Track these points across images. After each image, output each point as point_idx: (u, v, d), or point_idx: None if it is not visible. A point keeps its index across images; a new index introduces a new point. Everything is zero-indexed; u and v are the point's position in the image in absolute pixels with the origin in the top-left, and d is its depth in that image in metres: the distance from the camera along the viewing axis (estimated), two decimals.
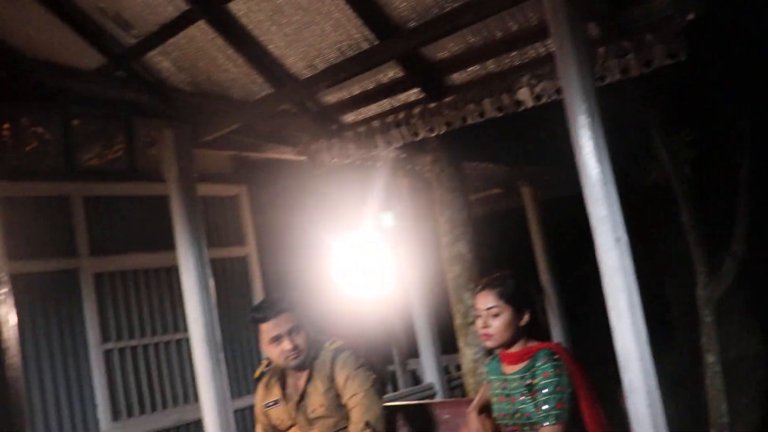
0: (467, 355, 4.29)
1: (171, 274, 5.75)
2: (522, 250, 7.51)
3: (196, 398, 5.74)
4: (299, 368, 3.44)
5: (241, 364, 6.25)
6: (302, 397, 3.45)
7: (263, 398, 3.60)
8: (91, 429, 5.59)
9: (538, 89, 3.70)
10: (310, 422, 3.43)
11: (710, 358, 5.73)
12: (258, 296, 6.64)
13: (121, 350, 5.47)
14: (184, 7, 3.79)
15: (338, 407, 3.42)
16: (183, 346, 5.76)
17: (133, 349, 5.53)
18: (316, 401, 3.43)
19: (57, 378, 5.14)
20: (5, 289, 1.27)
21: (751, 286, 7.31)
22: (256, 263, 6.88)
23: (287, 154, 5.22)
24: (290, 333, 3.34)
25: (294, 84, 4.10)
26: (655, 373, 2.88)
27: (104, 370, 5.34)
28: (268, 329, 3.34)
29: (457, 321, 4.33)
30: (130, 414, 5.45)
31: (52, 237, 5.21)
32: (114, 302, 5.47)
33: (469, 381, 4.30)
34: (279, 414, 3.51)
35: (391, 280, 6.55)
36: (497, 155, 6.35)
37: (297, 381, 3.49)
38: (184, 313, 5.73)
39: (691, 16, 3.31)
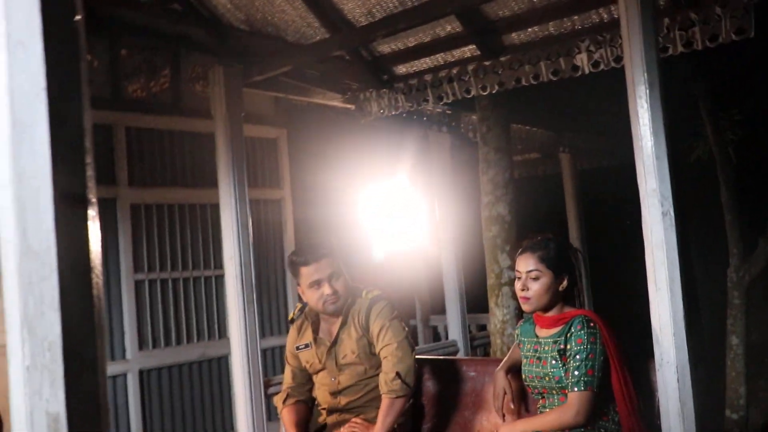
0: (497, 315, 4.32)
1: (207, 211, 5.83)
2: (555, 216, 7.51)
3: (221, 335, 5.89)
4: (335, 314, 3.49)
5: (267, 305, 6.33)
6: (335, 342, 3.51)
7: (295, 340, 3.67)
8: (117, 356, 5.73)
9: (596, 56, 3.66)
10: (340, 368, 3.49)
11: (734, 340, 5.72)
12: (290, 241, 6.70)
13: (152, 282, 5.56)
14: None
15: (369, 355, 3.48)
16: (212, 283, 5.86)
17: (164, 281, 5.62)
18: (348, 347, 3.49)
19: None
20: (93, 212, 1.30)
21: None
22: (290, 207, 6.93)
23: (332, 101, 5.21)
24: (330, 278, 3.40)
25: (350, 30, 4.07)
26: (686, 349, 2.90)
27: (134, 299, 5.44)
28: (308, 273, 3.40)
29: (491, 281, 4.35)
30: (155, 345, 5.56)
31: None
32: (148, 234, 5.55)
33: (497, 341, 4.33)
34: (309, 357, 3.57)
35: (423, 234, 6.59)
36: (541, 120, 6.32)
37: (330, 326, 3.55)
38: (216, 250, 5.86)
39: None
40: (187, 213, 5.79)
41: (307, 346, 3.60)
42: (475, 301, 6.44)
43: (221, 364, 5.95)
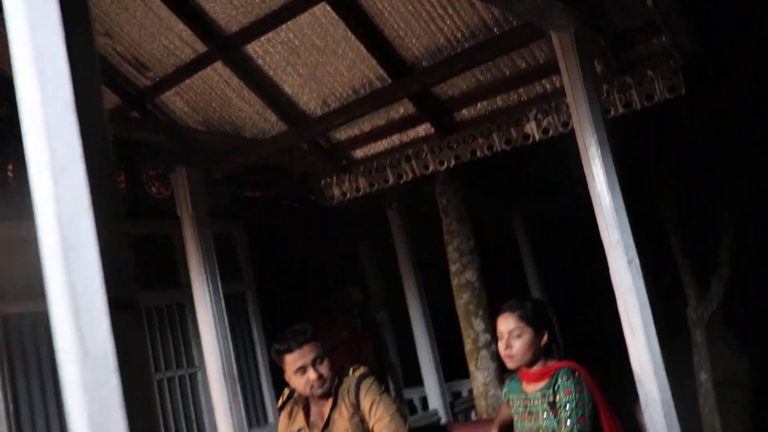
0: (478, 378, 4.41)
1: (174, 311, 5.83)
2: (514, 275, 7.69)
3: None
4: (324, 397, 3.54)
5: (244, 399, 6.29)
6: (327, 424, 3.53)
7: (287, 426, 3.67)
8: None
9: (544, 123, 3.89)
10: None
11: (703, 376, 5.92)
12: (259, 333, 6.72)
13: None
14: (202, 49, 3.94)
15: (367, 428, 3.52)
16: (186, 382, 5.81)
17: None
18: (342, 427, 3.52)
19: None
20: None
21: (735, 308, 7.57)
22: (255, 300, 6.96)
23: (289, 191, 5.35)
24: (314, 362, 3.40)
25: (307, 122, 4.24)
26: (668, 386, 3.02)
27: None
28: (293, 360, 3.41)
29: (468, 346, 4.45)
30: None
31: None
32: None
33: (481, 404, 4.42)
34: None
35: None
36: (493, 188, 6.55)
37: (321, 408, 3.57)
38: (186, 349, 5.84)
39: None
40: (155, 315, 5.78)
41: (300, 430, 3.62)
42: (447, 369, 6.50)
43: None
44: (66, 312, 1.35)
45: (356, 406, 3.50)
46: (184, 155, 4.45)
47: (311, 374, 3.40)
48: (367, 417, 3.48)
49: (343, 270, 8.14)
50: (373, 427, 3.47)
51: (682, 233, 6.00)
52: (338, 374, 3.57)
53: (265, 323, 6.97)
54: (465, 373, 6.60)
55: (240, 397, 4.26)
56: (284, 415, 3.74)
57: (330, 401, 3.53)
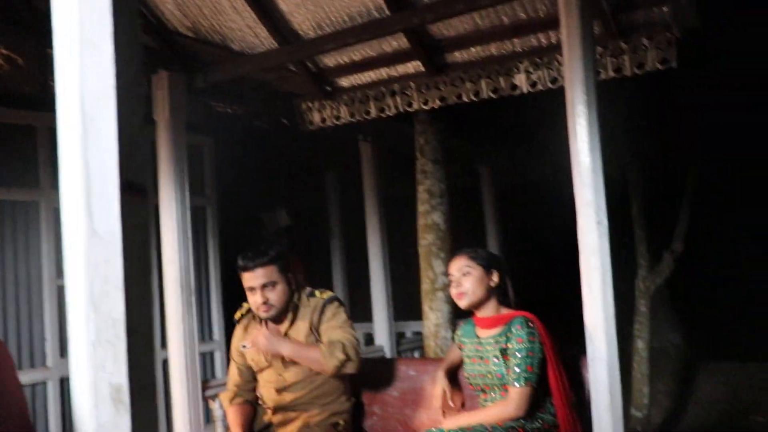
0: (431, 319, 4.51)
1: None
2: (475, 224, 7.79)
3: None
4: (273, 320, 3.60)
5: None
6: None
7: (241, 339, 3.75)
8: (37, 363, 5.59)
9: (534, 76, 3.92)
10: (286, 366, 3.59)
11: (640, 344, 6.13)
12: (215, 248, 6.71)
13: None
14: None
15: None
16: None
17: None
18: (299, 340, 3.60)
19: (7, 309, 5.11)
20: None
21: (681, 284, 7.81)
22: (215, 215, 6.93)
23: (266, 111, 5.29)
24: (264, 287, 3.51)
25: (298, 42, 4.20)
26: (616, 347, 3.12)
27: (56, 305, 5.26)
28: (246, 279, 3.53)
29: (425, 286, 4.53)
30: None
31: (16, 166, 5.15)
32: None
33: (431, 344, 4.52)
34: (255, 355, 3.66)
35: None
36: (467, 134, 6.58)
37: (278, 326, 3.64)
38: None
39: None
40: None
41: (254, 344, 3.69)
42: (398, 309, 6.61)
43: None
44: (79, 192, 1.35)
45: (316, 327, 3.57)
46: (168, 59, 4.38)
47: (258, 297, 3.51)
48: (321, 333, 3.55)
49: (306, 197, 8.15)
50: (322, 333, 3.56)
51: (644, 205, 6.13)
52: (303, 294, 3.64)
53: (222, 241, 6.96)
54: (411, 316, 6.72)
55: (194, 309, 4.28)
56: (239, 328, 3.80)
57: (288, 319, 3.59)
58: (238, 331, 3.81)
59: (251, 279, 3.51)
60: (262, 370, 3.68)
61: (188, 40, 4.41)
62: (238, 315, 3.87)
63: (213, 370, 6.35)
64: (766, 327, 8.40)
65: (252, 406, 3.78)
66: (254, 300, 3.53)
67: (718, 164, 7.26)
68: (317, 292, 3.69)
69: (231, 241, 7.02)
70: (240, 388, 3.76)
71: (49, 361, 5.64)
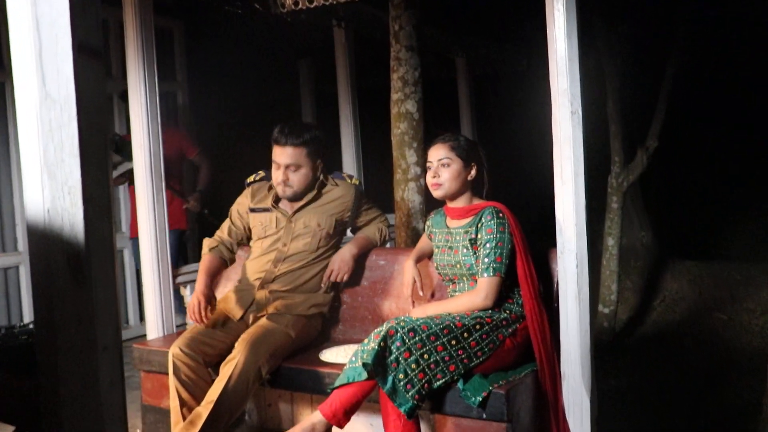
0: (402, 209, 4.50)
1: None
2: (450, 114, 7.75)
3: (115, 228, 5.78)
4: (288, 199, 3.73)
5: None
6: (295, 212, 3.74)
7: (249, 201, 3.87)
8: (8, 248, 5.64)
9: None
10: (295, 235, 3.70)
11: (611, 242, 6.21)
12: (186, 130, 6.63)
13: None
14: None
15: (327, 235, 3.74)
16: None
17: None
18: (311, 220, 3.73)
19: None
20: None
21: (654, 182, 7.89)
22: (186, 101, 6.82)
23: None
24: (287, 166, 3.61)
25: None
26: (586, 239, 3.14)
27: None
28: (275, 152, 3.65)
29: (397, 176, 4.50)
30: None
31: None
32: None
33: (402, 234, 4.53)
34: (265, 220, 3.77)
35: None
36: (443, 23, 6.44)
37: (291, 203, 3.77)
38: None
39: None
40: None
41: (266, 209, 3.79)
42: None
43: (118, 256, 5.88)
44: (29, 53, 1.28)
45: (351, 210, 3.81)
46: None
47: (279, 175, 3.64)
48: (356, 215, 3.86)
49: (279, 85, 8.01)
50: (359, 225, 3.90)
51: (620, 99, 6.09)
52: (325, 182, 3.80)
53: (194, 129, 6.87)
54: (385, 208, 6.74)
55: (164, 196, 4.23)
56: (249, 191, 3.93)
57: (303, 201, 3.73)
58: (247, 193, 3.93)
59: (279, 154, 3.61)
60: (265, 236, 3.74)
61: None
62: (251, 179, 4.00)
63: (186, 256, 6.38)
64: (733, 226, 8.57)
65: (225, 265, 3.91)
66: (276, 175, 3.64)
67: (696, 61, 7.21)
68: (350, 179, 3.90)
69: (203, 128, 6.93)
70: (223, 243, 3.88)
71: (21, 246, 5.63)
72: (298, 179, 3.65)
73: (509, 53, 7.65)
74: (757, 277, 6.71)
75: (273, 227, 3.75)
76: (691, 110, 8.05)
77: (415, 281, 3.52)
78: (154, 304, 4.18)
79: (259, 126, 7.46)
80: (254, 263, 3.78)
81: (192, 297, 3.69)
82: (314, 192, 3.74)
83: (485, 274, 3.16)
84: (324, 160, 3.76)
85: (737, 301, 6.55)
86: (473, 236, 3.26)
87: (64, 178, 1.31)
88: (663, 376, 5.25)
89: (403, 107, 4.44)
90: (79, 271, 1.30)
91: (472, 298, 3.18)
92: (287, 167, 3.62)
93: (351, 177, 3.94)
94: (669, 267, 7.16)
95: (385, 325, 3.00)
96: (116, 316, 1.36)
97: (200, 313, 3.52)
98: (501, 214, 3.24)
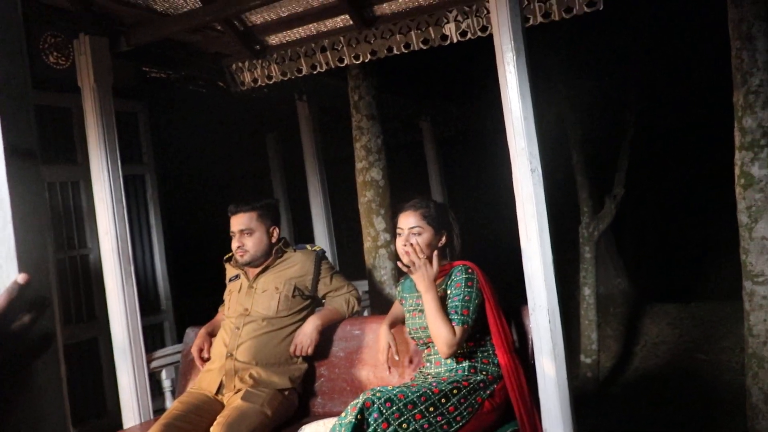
0: (375, 276, 4.49)
1: (68, 188, 5.61)
2: (418, 177, 7.80)
3: (88, 317, 5.69)
4: (249, 265, 3.81)
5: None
6: (257, 276, 3.81)
7: (228, 274, 4.01)
8: None
9: (463, 25, 3.86)
10: (255, 300, 3.75)
11: (587, 291, 6.21)
12: (156, 215, 6.59)
13: None
14: None
15: (289, 298, 3.75)
16: (77, 263, 5.65)
17: None
18: (271, 283, 3.77)
19: None
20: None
21: (625, 229, 7.96)
22: (154, 183, 6.80)
23: (199, 74, 5.17)
24: (241, 233, 3.75)
25: (223, 0, 4.07)
26: (556, 294, 3.14)
27: None
28: (231, 223, 3.81)
29: (368, 244, 4.50)
30: None
31: None
32: None
33: (376, 302, 4.51)
34: (233, 288, 3.91)
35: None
36: (404, 89, 6.53)
37: (250, 269, 3.86)
38: (79, 229, 5.65)
39: None
40: (47, 192, 5.55)
41: (236, 277, 3.92)
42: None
43: (91, 346, 5.76)
44: None
45: (309, 272, 3.82)
46: (88, 23, 4.21)
47: (235, 241, 3.78)
48: (319, 282, 3.84)
49: (248, 160, 8.05)
50: (326, 295, 3.88)
51: (584, 151, 6.17)
52: (283, 248, 3.86)
53: (164, 208, 6.84)
54: (358, 275, 6.72)
55: (134, 280, 4.19)
56: (229, 265, 4.05)
57: (260, 267, 3.80)
58: (228, 267, 4.04)
59: (233, 223, 3.78)
60: (232, 303, 3.85)
61: (109, 2, 4.23)
62: (227, 256, 4.07)
63: (162, 341, 6.27)
64: (707, 267, 8.62)
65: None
66: (233, 243, 3.79)
67: (655, 109, 7.35)
68: (308, 246, 3.95)
69: (176, 208, 6.91)
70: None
71: None
72: (252, 243, 3.75)
73: (473, 114, 7.76)
74: (731, 315, 6.73)
75: (237, 292, 3.84)
76: (654, 155, 8.17)
77: (390, 346, 3.49)
78: (130, 391, 4.10)
79: (230, 201, 7.50)
80: (222, 331, 3.78)
81: (197, 338, 3.91)
82: (272, 257, 3.82)
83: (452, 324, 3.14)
84: (279, 228, 3.87)
85: (715, 341, 6.55)
86: (442, 294, 3.25)
87: (2, 282, 1.29)
88: (649, 422, 5.20)
89: (368, 175, 4.46)
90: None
91: (440, 340, 3.12)
92: (241, 233, 3.75)
93: (313, 245, 3.98)
94: (647, 311, 7.17)
95: (361, 397, 2.95)
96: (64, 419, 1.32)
97: (199, 354, 3.80)
98: (470, 270, 3.23)
